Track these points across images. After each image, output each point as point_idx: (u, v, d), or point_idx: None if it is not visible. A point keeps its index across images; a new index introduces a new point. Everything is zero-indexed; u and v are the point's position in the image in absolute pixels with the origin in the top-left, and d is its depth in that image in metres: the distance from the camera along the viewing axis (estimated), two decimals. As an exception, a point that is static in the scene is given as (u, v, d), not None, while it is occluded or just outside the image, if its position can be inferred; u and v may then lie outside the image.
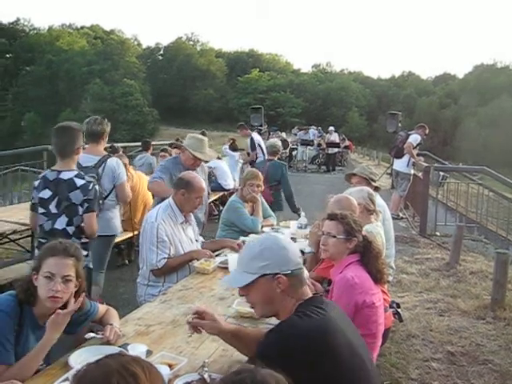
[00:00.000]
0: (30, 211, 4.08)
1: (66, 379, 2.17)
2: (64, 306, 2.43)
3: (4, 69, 77.90)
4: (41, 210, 3.87)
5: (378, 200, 4.69)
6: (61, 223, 3.83)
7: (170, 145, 9.63)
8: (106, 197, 4.71)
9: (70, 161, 3.92)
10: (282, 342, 1.96)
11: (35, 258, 2.47)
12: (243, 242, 4.39)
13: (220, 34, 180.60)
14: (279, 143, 8.23)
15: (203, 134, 11.69)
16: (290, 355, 1.90)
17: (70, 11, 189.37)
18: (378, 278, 2.92)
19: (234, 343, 2.37)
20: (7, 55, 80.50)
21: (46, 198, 3.84)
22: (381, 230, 4.02)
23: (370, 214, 3.99)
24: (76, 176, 3.85)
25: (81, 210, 3.83)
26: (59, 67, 74.33)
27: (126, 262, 7.06)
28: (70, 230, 3.85)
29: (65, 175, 3.82)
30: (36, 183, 3.94)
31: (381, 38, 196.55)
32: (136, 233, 6.67)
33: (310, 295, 2.20)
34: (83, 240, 3.89)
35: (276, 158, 7.76)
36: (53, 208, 3.83)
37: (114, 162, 4.79)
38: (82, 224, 3.86)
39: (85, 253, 3.57)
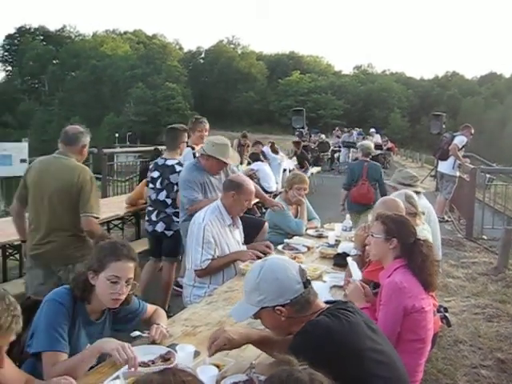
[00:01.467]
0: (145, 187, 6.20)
1: (117, 377, 2.21)
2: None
3: (51, 75, 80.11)
4: (150, 186, 5.44)
5: (424, 201, 4.60)
6: (162, 196, 5.31)
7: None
8: None
9: (174, 152, 5.45)
10: (312, 342, 1.95)
11: (93, 258, 2.50)
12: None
13: (261, 36, 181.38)
14: (372, 145, 8.37)
15: (244, 136, 11.77)
16: (320, 355, 1.86)
17: (114, 17, 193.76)
18: (427, 283, 2.84)
19: (264, 349, 2.39)
20: (54, 61, 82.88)
21: (154, 177, 5.36)
22: (428, 233, 3.94)
23: (413, 217, 3.92)
24: (177, 164, 5.31)
25: (176, 188, 5.19)
26: (103, 72, 76.07)
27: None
28: (168, 201, 5.30)
29: (169, 162, 5.34)
30: (150, 167, 5.64)
31: (424, 37, 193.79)
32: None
33: (325, 306, 2.16)
34: (176, 210, 5.21)
35: (369, 159, 7.92)
36: (158, 184, 5.32)
37: None
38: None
39: (176, 219, 5.21)
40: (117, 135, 55.07)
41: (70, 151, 4.12)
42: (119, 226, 8.27)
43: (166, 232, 5.33)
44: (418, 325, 2.73)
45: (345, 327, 2.00)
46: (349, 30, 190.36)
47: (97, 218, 4.04)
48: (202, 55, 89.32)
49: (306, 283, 2.14)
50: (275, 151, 12.07)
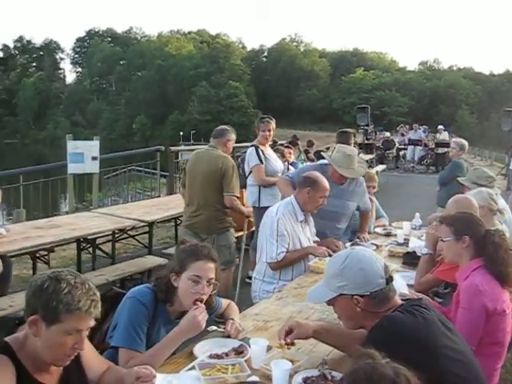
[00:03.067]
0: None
1: (192, 367, 2.28)
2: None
3: (118, 75, 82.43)
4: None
5: (501, 201, 4.46)
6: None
7: (287, 144, 9.75)
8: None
9: None
10: (387, 337, 1.93)
11: (174, 260, 2.56)
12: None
13: (324, 33, 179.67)
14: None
15: (294, 137, 11.65)
16: (395, 351, 1.84)
17: (178, 18, 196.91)
18: (502, 276, 2.73)
19: (330, 342, 2.42)
20: (121, 62, 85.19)
21: None
22: (506, 233, 3.82)
23: (494, 215, 3.80)
24: None
25: None
26: (168, 71, 77.50)
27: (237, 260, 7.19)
28: None
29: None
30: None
31: (494, 30, 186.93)
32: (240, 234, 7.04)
33: (400, 303, 2.15)
34: None
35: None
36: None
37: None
38: None
39: None
40: (181, 133, 56.03)
41: (217, 144, 5.11)
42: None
43: None
44: (497, 327, 2.66)
45: (420, 323, 1.98)
46: (414, 25, 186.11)
47: (237, 197, 5.03)
48: (265, 53, 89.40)
49: (389, 280, 2.13)
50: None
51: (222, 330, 2.67)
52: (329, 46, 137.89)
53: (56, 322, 1.79)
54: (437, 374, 1.87)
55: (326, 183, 4.11)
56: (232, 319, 2.72)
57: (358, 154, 9.07)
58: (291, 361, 2.31)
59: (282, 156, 7.54)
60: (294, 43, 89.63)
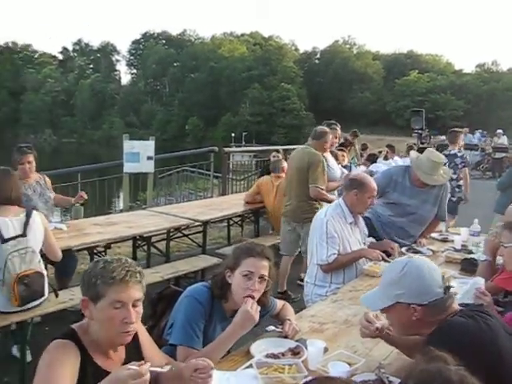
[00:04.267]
0: None
1: (250, 366, 2.30)
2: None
3: (172, 77, 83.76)
4: None
5: None
6: None
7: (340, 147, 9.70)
8: None
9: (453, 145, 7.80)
10: (448, 341, 1.88)
11: (230, 258, 2.61)
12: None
13: (377, 36, 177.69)
14: None
15: (354, 134, 11.60)
16: (457, 355, 1.82)
17: (232, 20, 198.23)
18: None
19: (399, 343, 2.38)
20: (175, 64, 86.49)
21: None
22: None
23: None
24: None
25: None
26: (220, 73, 78.18)
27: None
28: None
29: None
30: None
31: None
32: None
33: (459, 309, 2.11)
34: None
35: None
36: None
37: None
38: None
39: None
40: (233, 135, 56.46)
41: (313, 144, 5.77)
42: (238, 223, 8.50)
43: None
44: None
45: (482, 327, 1.95)
46: (472, 27, 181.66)
47: (322, 188, 5.55)
48: (318, 56, 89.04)
49: (446, 289, 2.10)
50: (393, 152, 11.84)
51: (280, 330, 2.69)
52: (382, 49, 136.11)
53: (99, 298, 1.90)
54: (503, 378, 1.84)
55: (373, 183, 4.09)
56: (289, 320, 2.74)
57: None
58: (348, 363, 2.31)
59: (336, 159, 7.51)
60: (347, 45, 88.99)
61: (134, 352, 2.10)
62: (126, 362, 2.01)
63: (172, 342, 2.49)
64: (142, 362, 1.79)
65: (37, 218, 3.92)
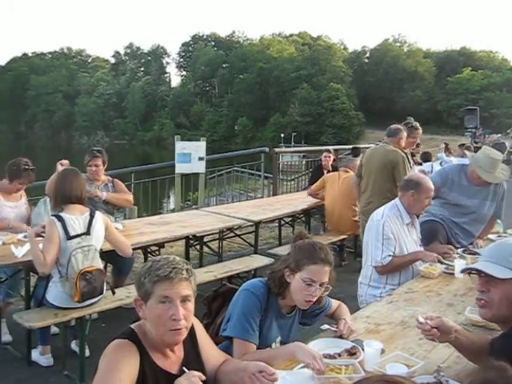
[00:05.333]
0: None
1: (306, 365, 2.29)
2: None
3: (221, 78, 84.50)
4: None
5: None
6: None
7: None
8: None
9: None
10: None
11: (291, 257, 2.59)
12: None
13: (429, 33, 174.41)
14: None
15: (407, 124, 11.34)
16: None
17: (280, 21, 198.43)
18: None
19: (465, 347, 2.28)
20: (224, 65, 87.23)
21: None
22: None
23: None
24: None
25: None
26: (269, 74, 78.39)
27: (342, 263, 7.16)
28: None
29: None
30: None
31: None
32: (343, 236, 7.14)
33: None
34: None
35: None
36: None
37: None
38: None
39: None
40: (282, 135, 56.46)
41: (390, 141, 5.79)
42: (289, 223, 8.50)
43: None
44: None
45: None
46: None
47: None
48: (367, 54, 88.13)
49: None
50: (450, 153, 11.65)
51: (335, 329, 2.67)
52: (434, 46, 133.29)
53: (148, 296, 1.91)
54: None
55: (429, 183, 4.03)
56: (344, 319, 2.72)
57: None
58: (406, 365, 2.28)
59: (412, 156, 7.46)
60: (398, 44, 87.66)
61: (192, 350, 2.12)
62: (184, 361, 2.04)
63: (227, 335, 2.49)
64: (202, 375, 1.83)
65: (99, 218, 4.07)
